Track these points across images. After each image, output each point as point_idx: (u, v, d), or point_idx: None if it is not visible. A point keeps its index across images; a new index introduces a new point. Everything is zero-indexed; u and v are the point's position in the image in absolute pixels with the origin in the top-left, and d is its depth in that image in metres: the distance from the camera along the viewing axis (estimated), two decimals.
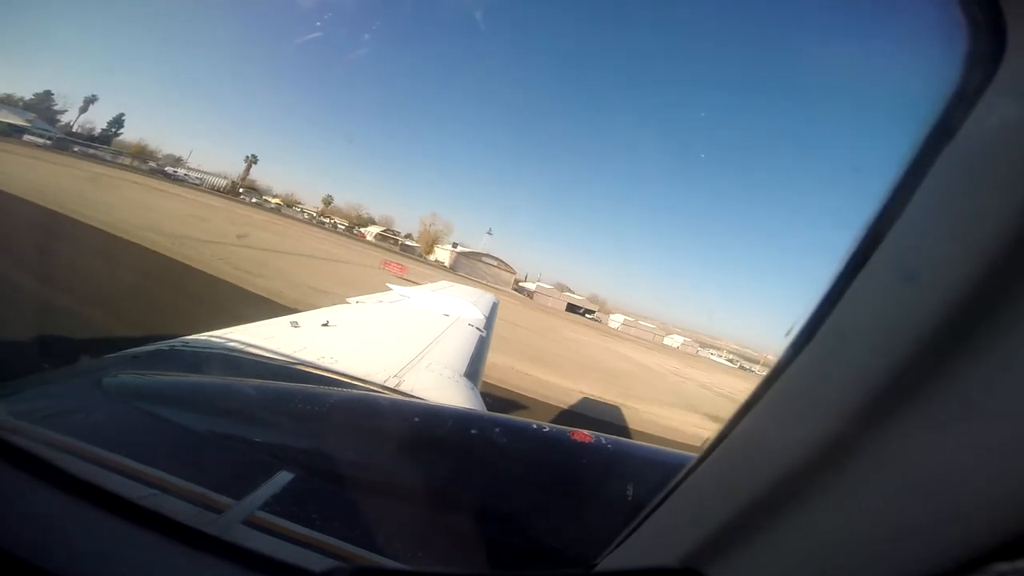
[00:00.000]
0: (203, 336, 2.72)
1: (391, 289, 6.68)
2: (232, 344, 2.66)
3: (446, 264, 57.30)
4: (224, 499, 1.23)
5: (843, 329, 0.60)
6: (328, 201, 61.70)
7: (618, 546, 0.85)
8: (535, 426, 1.98)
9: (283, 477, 1.47)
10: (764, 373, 0.71)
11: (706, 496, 0.73)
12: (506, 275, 61.70)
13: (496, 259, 62.52)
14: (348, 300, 5.47)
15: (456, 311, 5.70)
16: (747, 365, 59.24)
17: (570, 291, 67.22)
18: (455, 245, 62.18)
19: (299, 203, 58.92)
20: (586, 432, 1.87)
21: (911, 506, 0.49)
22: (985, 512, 0.45)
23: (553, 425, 2.01)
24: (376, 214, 65.70)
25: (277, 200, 56.04)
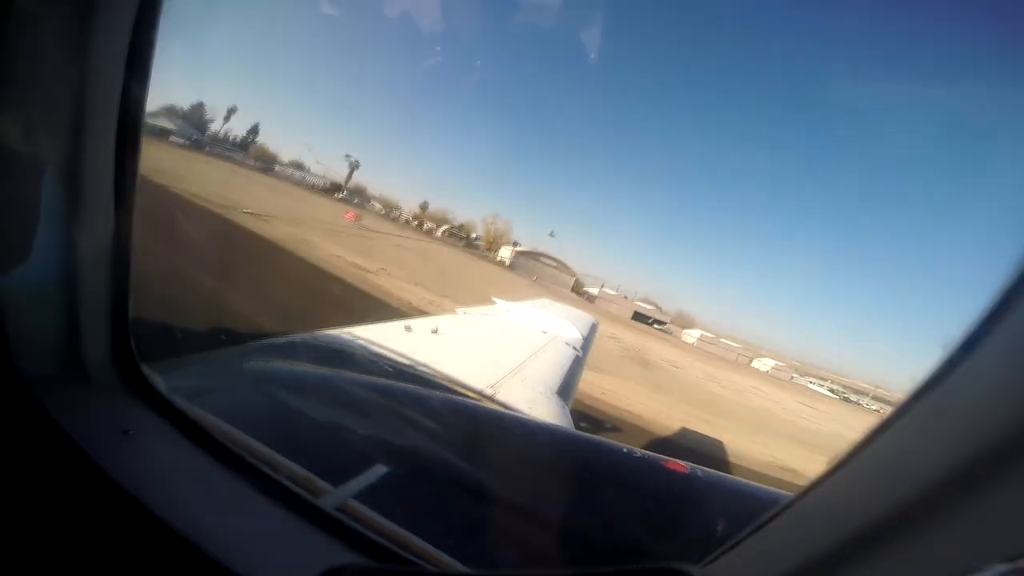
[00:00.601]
0: (330, 332, 3.06)
1: (496, 303, 6.96)
2: (353, 342, 2.95)
3: (506, 262, 57.78)
4: (324, 484, 1.30)
5: (1000, 350, 0.54)
6: (424, 207, 67.56)
7: (707, 564, 0.84)
8: (626, 450, 1.95)
9: (379, 470, 1.54)
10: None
11: (815, 521, 0.69)
12: (565, 276, 60.68)
13: (555, 260, 61.82)
14: (457, 311, 5.82)
15: (554, 329, 5.75)
16: (853, 397, 52.10)
17: (654, 304, 64.03)
18: (516, 244, 62.72)
19: (398, 207, 64.56)
20: (681, 462, 1.80)
21: None
22: None
23: (646, 451, 1.96)
24: (462, 218, 69.84)
25: (376, 203, 61.56)
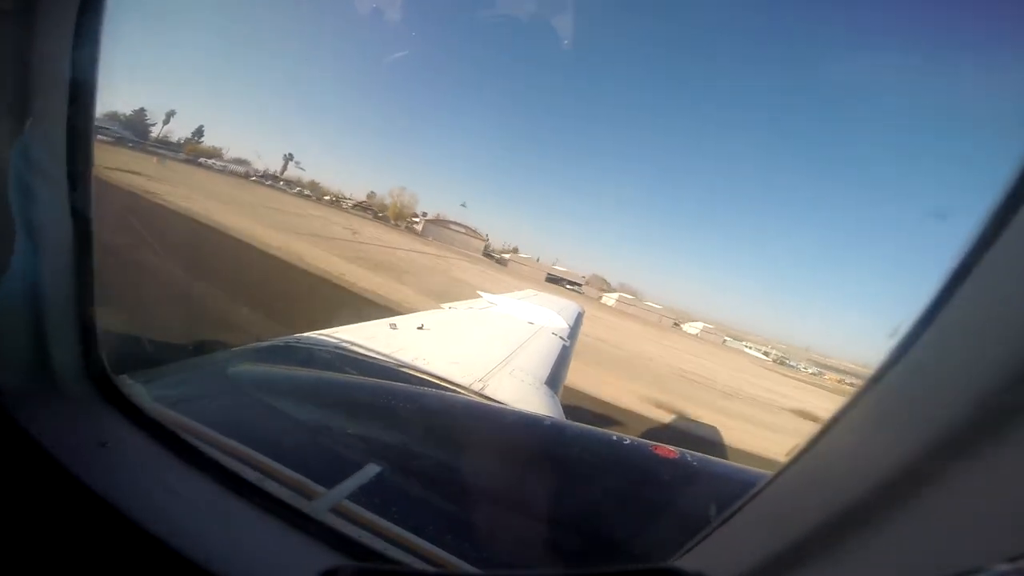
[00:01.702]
0: (314, 334, 3.02)
1: (481, 296, 6.94)
2: (338, 342, 2.92)
3: (418, 231, 61.49)
4: (316, 486, 1.30)
5: (957, 328, 0.55)
6: (371, 195, 71.09)
7: (684, 555, 0.85)
8: (615, 437, 1.96)
9: (372, 469, 1.55)
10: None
11: (781, 510, 0.70)
12: (475, 242, 65.43)
13: (464, 226, 66.48)
14: (442, 306, 5.79)
15: (540, 319, 5.77)
16: (791, 362, 56.86)
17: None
18: (424, 214, 66.94)
19: (333, 194, 66.97)
20: (670, 447, 1.82)
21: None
22: None
23: (635, 438, 1.98)
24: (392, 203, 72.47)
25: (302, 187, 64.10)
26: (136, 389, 1.30)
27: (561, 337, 5.30)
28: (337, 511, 1.23)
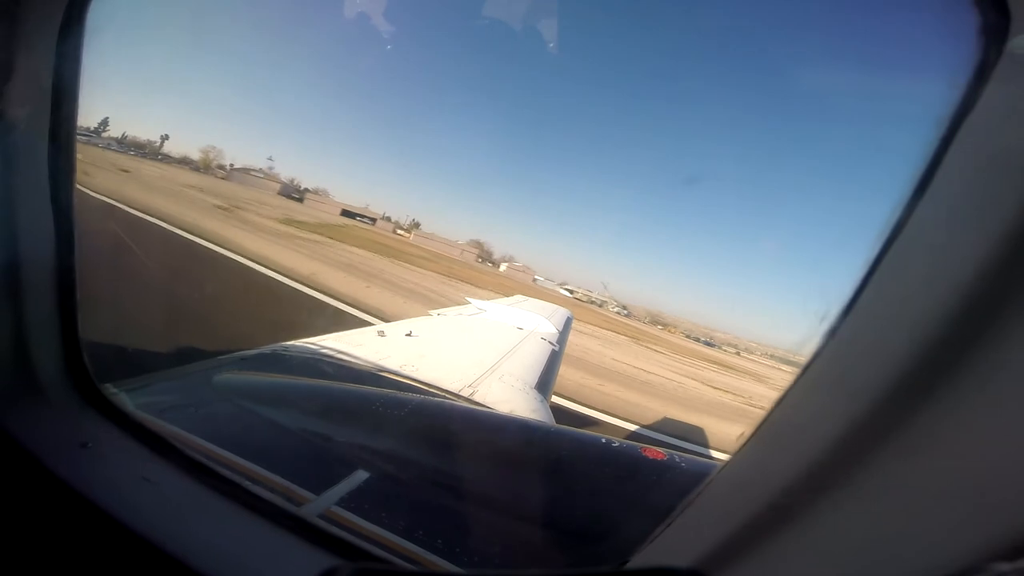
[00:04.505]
0: (301, 342, 3.00)
1: (470, 303, 6.94)
2: (326, 350, 2.91)
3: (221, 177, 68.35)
4: (305, 492, 1.32)
5: (869, 317, 0.59)
6: (206, 150, 73.24)
7: (646, 546, 0.87)
8: (604, 440, 1.98)
9: (360, 476, 1.55)
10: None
11: (728, 497, 0.73)
12: (272, 184, 73.66)
13: (262, 172, 74.33)
14: (430, 312, 5.78)
15: (530, 325, 5.78)
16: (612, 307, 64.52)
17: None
18: (231, 166, 73.78)
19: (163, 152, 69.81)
20: (659, 449, 1.84)
21: (941, 502, 0.47)
22: (1017, 508, 0.42)
23: (624, 441, 1.99)
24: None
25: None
26: (120, 397, 1.29)
27: (550, 342, 5.31)
28: (326, 516, 1.23)
